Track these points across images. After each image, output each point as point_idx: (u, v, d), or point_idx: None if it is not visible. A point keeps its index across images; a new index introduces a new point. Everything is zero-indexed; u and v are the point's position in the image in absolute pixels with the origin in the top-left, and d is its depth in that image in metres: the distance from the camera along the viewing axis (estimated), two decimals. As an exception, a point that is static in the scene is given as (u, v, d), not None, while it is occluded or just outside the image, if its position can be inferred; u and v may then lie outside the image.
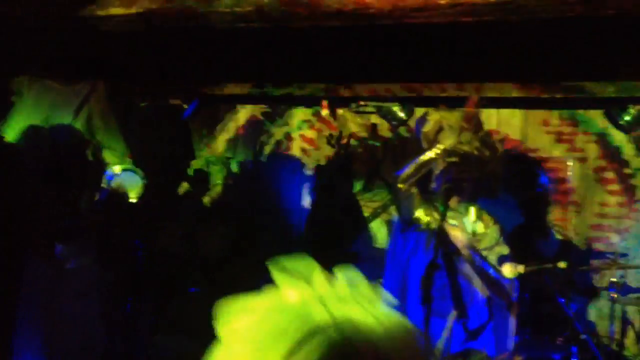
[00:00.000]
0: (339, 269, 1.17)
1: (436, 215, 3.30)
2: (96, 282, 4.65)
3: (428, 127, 3.49)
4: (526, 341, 4.52)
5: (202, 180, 6.58)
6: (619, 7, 2.82)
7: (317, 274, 1.13)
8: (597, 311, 5.62)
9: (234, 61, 5.26)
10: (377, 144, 6.10)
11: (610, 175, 5.85)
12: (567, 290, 4.65)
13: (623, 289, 5.17)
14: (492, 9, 2.94)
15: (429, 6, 2.84)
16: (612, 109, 5.67)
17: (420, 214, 3.35)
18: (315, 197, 6.38)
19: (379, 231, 5.90)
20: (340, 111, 6.40)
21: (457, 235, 3.31)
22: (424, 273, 2.87)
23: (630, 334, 5.29)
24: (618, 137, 5.81)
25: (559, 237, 5.63)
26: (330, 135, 5.08)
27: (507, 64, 4.89)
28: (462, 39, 4.13)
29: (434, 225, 3.29)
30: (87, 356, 4.62)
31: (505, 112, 6.02)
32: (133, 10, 3.25)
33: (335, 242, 5.90)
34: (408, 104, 6.10)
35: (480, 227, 3.43)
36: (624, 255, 5.56)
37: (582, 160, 5.90)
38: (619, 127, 5.72)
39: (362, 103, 6.13)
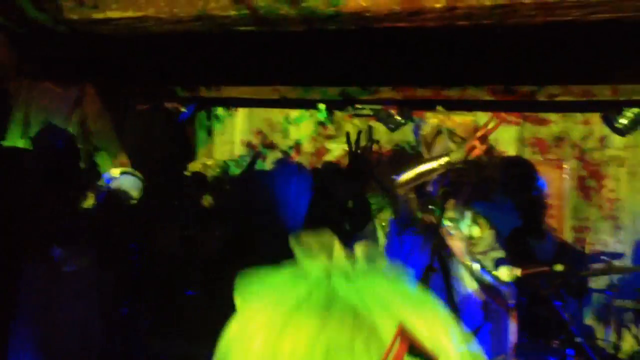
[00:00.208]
0: (359, 245, 1.16)
1: (433, 219, 3.30)
2: (94, 284, 4.65)
3: (426, 130, 3.49)
4: (522, 344, 4.52)
5: (200, 182, 6.59)
6: (613, 10, 2.83)
7: (337, 248, 1.13)
8: (593, 314, 5.63)
9: (231, 64, 5.27)
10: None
11: (606, 177, 5.87)
12: (563, 293, 4.66)
13: (619, 291, 5.18)
14: (488, 12, 2.95)
15: (425, 10, 2.85)
16: (609, 112, 5.69)
17: (416, 217, 3.35)
18: (313, 199, 6.38)
19: (376, 234, 5.91)
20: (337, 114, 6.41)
21: (456, 244, 3.30)
22: (420, 276, 2.88)
23: (626, 337, 5.30)
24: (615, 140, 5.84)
25: (555, 240, 5.64)
26: (348, 134, 5.05)
27: (504, 67, 4.91)
28: (459, 42, 4.14)
29: (430, 229, 3.29)
30: (85, 358, 4.61)
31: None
32: (130, 13, 3.25)
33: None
34: (405, 107, 6.12)
35: (476, 231, 3.44)
36: (619, 257, 5.58)
37: (578, 163, 5.92)
38: (615, 130, 5.74)
39: (359, 106, 6.14)
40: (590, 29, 3.51)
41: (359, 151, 5.47)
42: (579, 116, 5.96)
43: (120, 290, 5.06)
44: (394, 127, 6.27)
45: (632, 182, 5.83)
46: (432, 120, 3.51)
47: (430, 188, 3.42)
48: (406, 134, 6.23)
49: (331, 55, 4.63)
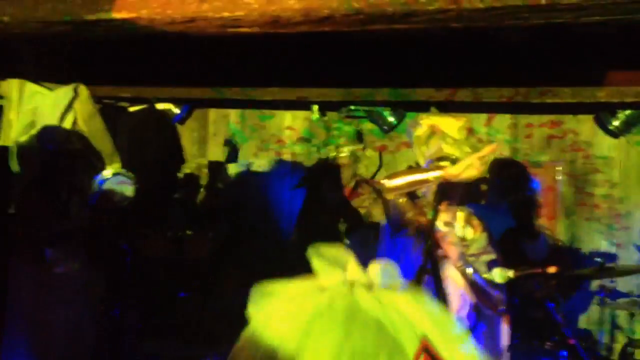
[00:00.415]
0: (375, 262, 1.15)
1: (425, 220, 3.30)
2: (85, 287, 4.63)
3: (420, 132, 3.48)
4: (515, 346, 4.52)
5: (192, 184, 6.57)
6: (606, 13, 2.83)
7: (352, 263, 1.12)
8: (586, 316, 5.64)
9: (225, 66, 5.26)
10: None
11: (598, 179, 5.89)
12: (556, 295, 4.67)
13: (612, 293, 5.19)
14: (482, 15, 2.94)
15: (418, 12, 2.84)
16: (602, 114, 5.71)
17: (409, 219, 3.34)
18: (305, 201, 6.37)
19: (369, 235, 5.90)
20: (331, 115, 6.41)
21: (451, 248, 3.29)
22: (413, 278, 2.87)
23: (620, 339, 5.31)
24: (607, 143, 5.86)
25: (548, 241, 5.64)
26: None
27: (497, 69, 4.91)
28: (452, 44, 4.14)
29: (422, 231, 3.28)
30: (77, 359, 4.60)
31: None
32: (124, 15, 3.24)
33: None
34: (399, 109, 6.12)
35: (469, 233, 3.43)
36: (612, 259, 5.59)
37: (571, 164, 5.94)
38: (609, 131, 5.75)
39: (352, 107, 6.14)
40: (583, 31, 3.52)
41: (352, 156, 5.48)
42: (572, 118, 5.98)
43: (112, 291, 5.04)
44: (387, 128, 6.27)
45: (625, 183, 5.85)
46: (425, 121, 3.50)
47: (423, 189, 3.42)
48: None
49: (325, 57, 4.63)
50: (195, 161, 6.76)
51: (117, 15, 3.23)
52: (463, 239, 3.39)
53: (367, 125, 6.39)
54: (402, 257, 3.35)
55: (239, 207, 6.50)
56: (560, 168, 5.96)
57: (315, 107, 6.12)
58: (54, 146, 4.65)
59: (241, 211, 6.48)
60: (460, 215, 3.44)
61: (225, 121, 6.92)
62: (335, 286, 1.06)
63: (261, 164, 6.68)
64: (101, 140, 4.96)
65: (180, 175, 6.61)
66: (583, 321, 5.66)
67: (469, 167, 3.09)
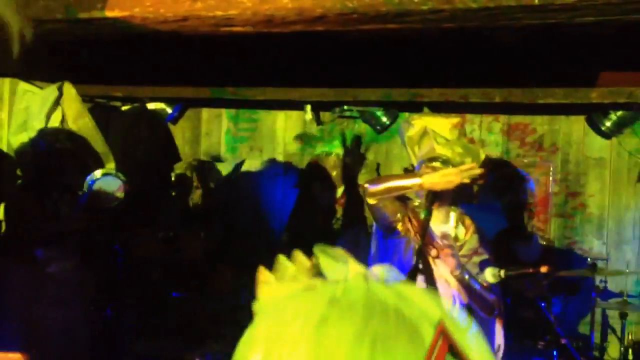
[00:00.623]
0: (377, 267, 1.15)
1: (417, 222, 3.30)
2: (77, 287, 4.61)
3: (412, 132, 3.48)
4: (508, 346, 4.54)
5: (184, 184, 6.56)
6: (599, 14, 2.84)
7: (353, 263, 1.12)
8: (578, 316, 5.65)
9: (217, 65, 5.25)
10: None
11: (590, 180, 5.90)
12: (548, 294, 4.68)
13: (604, 293, 5.21)
14: (475, 15, 2.95)
15: (411, 12, 2.85)
16: (594, 115, 5.72)
17: (398, 220, 3.34)
18: (297, 201, 6.38)
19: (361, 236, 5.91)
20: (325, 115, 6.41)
21: (449, 260, 3.28)
22: (405, 278, 2.86)
23: (611, 339, 5.33)
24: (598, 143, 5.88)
25: (540, 241, 5.66)
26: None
27: (490, 69, 4.92)
28: (445, 44, 4.15)
29: (414, 232, 3.29)
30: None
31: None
32: (116, 13, 3.23)
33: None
34: (392, 109, 6.12)
35: (461, 233, 3.44)
36: (604, 259, 5.61)
37: (563, 165, 5.95)
38: (601, 132, 5.77)
39: (345, 108, 6.14)
40: (576, 32, 3.53)
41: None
42: (564, 118, 5.99)
43: (103, 293, 5.02)
44: (380, 128, 6.27)
45: (616, 183, 5.87)
46: (417, 121, 3.51)
47: (409, 194, 3.43)
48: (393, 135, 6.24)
49: (319, 57, 4.63)
50: (187, 161, 6.75)
51: (109, 13, 3.22)
52: (456, 239, 3.39)
53: (361, 126, 6.39)
54: (395, 258, 3.35)
55: (231, 207, 6.49)
56: (552, 168, 5.97)
57: (309, 107, 6.11)
58: (45, 145, 4.62)
59: (233, 211, 6.47)
60: (454, 214, 3.44)
61: (218, 121, 6.91)
62: (348, 278, 1.06)
63: (254, 164, 6.67)
64: (92, 139, 4.93)
65: (173, 175, 6.60)
66: (575, 321, 5.67)
67: (447, 178, 3.13)
